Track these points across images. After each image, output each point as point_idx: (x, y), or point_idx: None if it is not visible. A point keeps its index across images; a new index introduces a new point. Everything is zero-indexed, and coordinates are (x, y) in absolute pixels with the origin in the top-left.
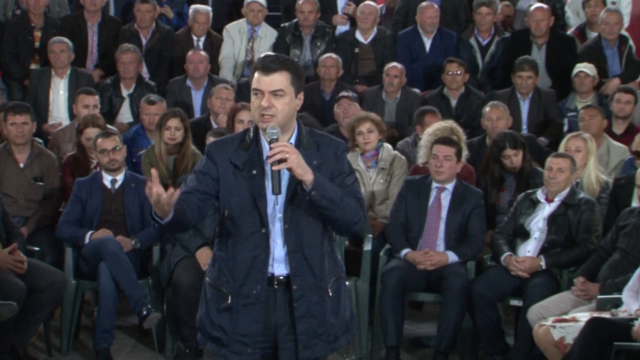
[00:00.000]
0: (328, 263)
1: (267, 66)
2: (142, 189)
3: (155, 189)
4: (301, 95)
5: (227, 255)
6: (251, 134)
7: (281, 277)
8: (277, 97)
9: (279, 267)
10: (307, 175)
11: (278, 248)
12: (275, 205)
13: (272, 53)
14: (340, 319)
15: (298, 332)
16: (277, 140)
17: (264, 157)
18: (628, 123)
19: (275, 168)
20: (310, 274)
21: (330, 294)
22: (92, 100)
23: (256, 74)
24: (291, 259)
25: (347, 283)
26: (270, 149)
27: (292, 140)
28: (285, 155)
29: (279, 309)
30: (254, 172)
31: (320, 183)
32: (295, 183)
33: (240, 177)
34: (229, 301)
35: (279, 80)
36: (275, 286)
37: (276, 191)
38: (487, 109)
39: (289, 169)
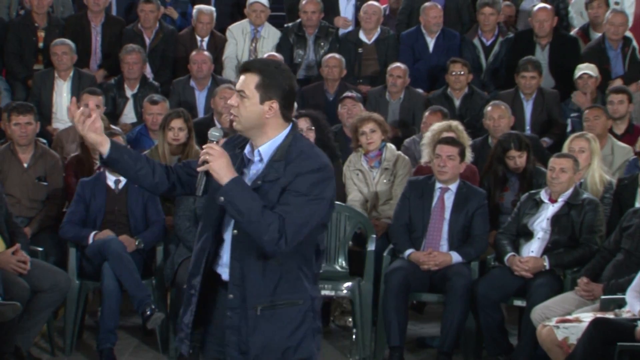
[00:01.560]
0: (268, 282)
1: (244, 64)
2: None
3: (72, 108)
4: (272, 104)
5: (195, 242)
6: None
7: (226, 283)
8: (240, 97)
9: (224, 272)
10: (222, 180)
11: (227, 254)
12: None
13: (267, 58)
14: (270, 345)
15: (225, 342)
16: (214, 142)
17: (243, 159)
18: (627, 123)
19: (198, 169)
20: (242, 287)
21: (258, 313)
22: (95, 100)
23: None
24: (232, 266)
25: (310, 314)
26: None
27: (263, 148)
28: (207, 157)
29: (222, 312)
30: None
31: (232, 191)
32: None
33: None
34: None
35: (244, 81)
36: (223, 288)
37: (199, 192)
38: (488, 108)
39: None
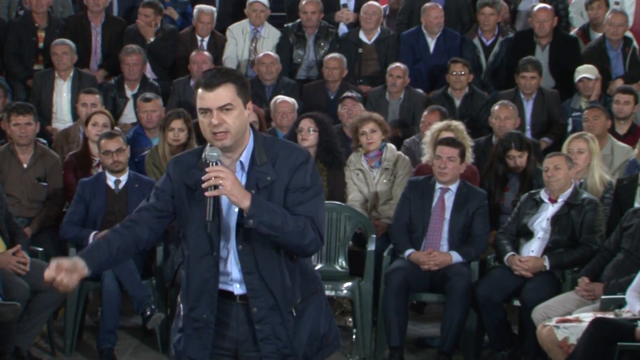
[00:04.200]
0: (292, 281)
1: (210, 82)
2: (146, 189)
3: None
4: (250, 105)
5: (185, 274)
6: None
7: (241, 295)
8: (226, 112)
9: (237, 287)
10: (243, 202)
11: (235, 269)
12: (229, 225)
13: (216, 67)
14: (311, 337)
15: (263, 355)
16: (215, 163)
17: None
18: (630, 123)
19: (208, 194)
20: (269, 295)
21: (295, 314)
22: (91, 98)
23: (200, 91)
24: (248, 281)
25: (324, 296)
26: (207, 172)
27: (243, 156)
28: (219, 181)
29: (241, 324)
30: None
31: (259, 210)
32: None
33: (192, 199)
34: (181, 323)
35: (225, 94)
36: (239, 301)
37: (210, 217)
38: (496, 107)
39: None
